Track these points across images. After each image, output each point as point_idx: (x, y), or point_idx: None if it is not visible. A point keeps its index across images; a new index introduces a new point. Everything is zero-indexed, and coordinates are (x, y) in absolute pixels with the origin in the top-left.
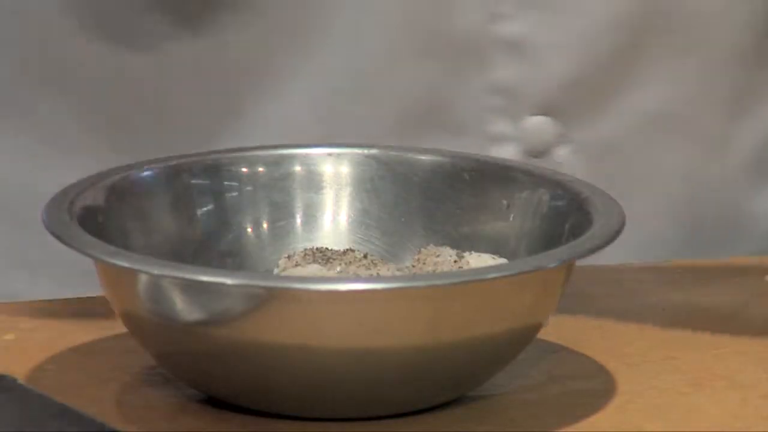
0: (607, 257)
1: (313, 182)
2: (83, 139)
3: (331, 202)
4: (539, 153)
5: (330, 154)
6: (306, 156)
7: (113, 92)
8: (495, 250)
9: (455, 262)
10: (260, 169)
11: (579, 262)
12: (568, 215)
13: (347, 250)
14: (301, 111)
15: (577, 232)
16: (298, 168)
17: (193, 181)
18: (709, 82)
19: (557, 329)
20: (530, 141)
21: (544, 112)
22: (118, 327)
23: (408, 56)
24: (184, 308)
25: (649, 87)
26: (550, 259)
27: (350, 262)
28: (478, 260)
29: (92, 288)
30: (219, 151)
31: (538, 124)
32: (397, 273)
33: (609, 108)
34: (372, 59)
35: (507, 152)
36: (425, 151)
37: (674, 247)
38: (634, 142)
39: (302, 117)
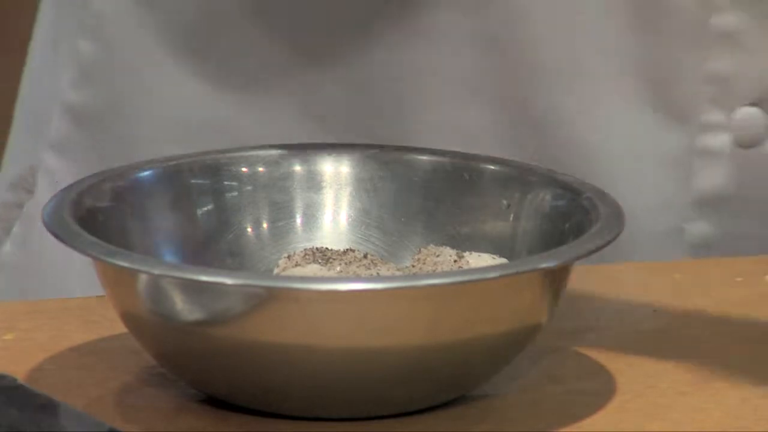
0: (607, 257)
1: (313, 182)
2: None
3: (331, 201)
4: (750, 144)
5: (330, 154)
6: (306, 156)
7: None
8: (495, 250)
9: (455, 262)
10: (260, 169)
11: (579, 262)
12: (568, 215)
13: (347, 250)
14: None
15: (577, 232)
16: (298, 168)
17: (193, 181)
18: None
19: (557, 329)
20: (741, 131)
21: (756, 104)
22: (118, 327)
23: (630, 35)
24: (184, 308)
25: None
26: (550, 259)
27: (350, 262)
28: (478, 260)
29: (92, 288)
30: (219, 151)
31: (749, 114)
32: (397, 273)
33: None
34: (589, 33)
35: (718, 141)
36: (425, 151)
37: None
38: None
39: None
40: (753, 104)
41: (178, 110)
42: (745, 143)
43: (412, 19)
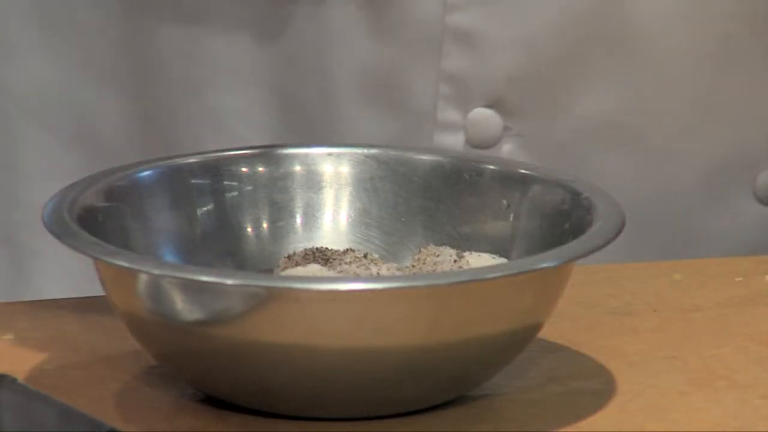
0: (607, 257)
1: (313, 182)
2: None
3: (331, 201)
4: (484, 145)
5: (330, 154)
6: (306, 156)
7: None
8: (495, 250)
9: (455, 261)
10: (260, 169)
11: (579, 262)
12: (568, 215)
13: (347, 250)
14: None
15: (577, 232)
16: (298, 168)
17: (193, 181)
18: (660, 92)
19: (557, 329)
20: (476, 132)
21: (491, 105)
22: (118, 327)
23: (365, 36)
24: (184, 308)
25: (599, 92)
26: (550, 259)
27: (350, 262)
28: (478, 260)
29: (92, 288)
30: (219, 151)
31: (484, 116)
32: (397, 273)
33: (557, 108)
34: (331, 36)
35: (454, 141)
36: (425, 151)
37: (619, 254)
38: (582, 146)
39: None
40: (488, 106)
41: (41, 88)
42: (480, 144)
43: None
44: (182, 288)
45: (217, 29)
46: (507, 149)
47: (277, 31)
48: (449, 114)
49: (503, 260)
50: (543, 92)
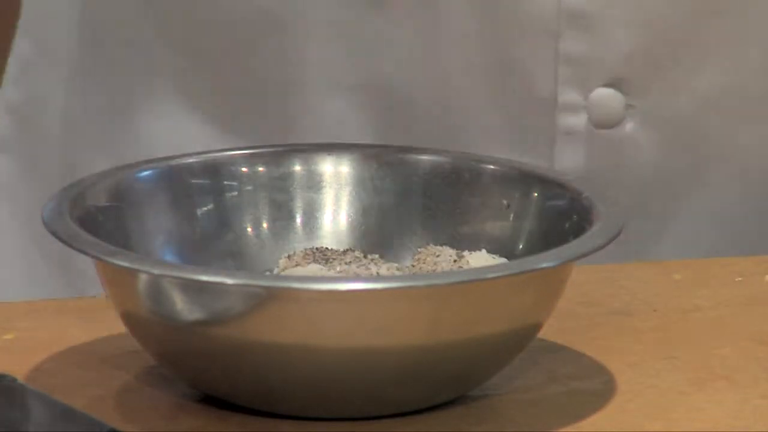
0: (607, 257)
1: (313, 182)
2: None
3: (331, 201)
4: (608, 125)
5: (330, 154)
6: (306, 156)
7: None
8: (495, 250)
9: (455, 261)
10: (260, 168)
11: (579, 262)
12: (568, 215)
13: (347, 250)
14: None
15: (577, 232)
16: (298, 168)
17: (193, 181)
18: None
19: (557, 329)
20: (599, 112)
21: (612, 84)
22: (118, 327)
23: (479, 24)
24: (184, 308)
25: (718, 65)
26: (550, 259)
27: (350, 262)
28: (477, 260)
29: (92, 288)
30: (219, 151)
31: (605, 95)
32: (397, 273)
33: (676, 83)
34: (442, 27)
35: (576, 122)
36: (425, 151)
37: (749, 222)
38: (702, 117)
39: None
40: (609, 85)
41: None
42: (603, 124)
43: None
44: (182, 288)
45: (312, 31)
46: (630, 127)
47: (381, 29)
48: (570, 96)
49: (503, 260)
50: (663, 69)
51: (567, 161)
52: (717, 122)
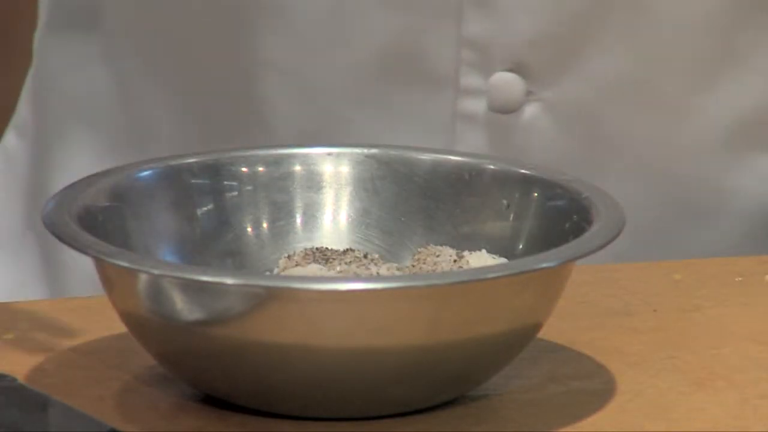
0: (607, 257)
1: (313, 182)
2: None
3: (330, 201)
4: (507, 110)
5: (330, 154)
6: (306, 156)
7: None
8: (495, 250)
9: (455, 261)
10: (260, 168)
11: (579, 262)
12: (568, 215)
13: (347, 249)
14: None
15: (577, 232)
16: (298, 168)
17: (193, 181)
18: (675, 48)
19: (557, 329)
20: (498, 97)
21: (513, 69)
22: (118, 327)
23: (380, 6)
24: (184, 308)
25: (618, 51)
26: (550, 259)
27: (350, 261)
28: (477, 260)
29: (92, 288)
30: (219, 151)
31: (506, 80)
32: (397, 273)
33: (576, 69)
34: (344, 9)
35: (476, 107)
36: (425, 151)
37: (648, 213)
38: (603, 106)
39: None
40: (510, 70)
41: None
42: (503, 108)
43: None
44: (182, 288)
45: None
46: (530, 112)
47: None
48: (471, 79)
49: (503, 260)
50: (564, 55)
51: (468, 146)
52: (615, 111)
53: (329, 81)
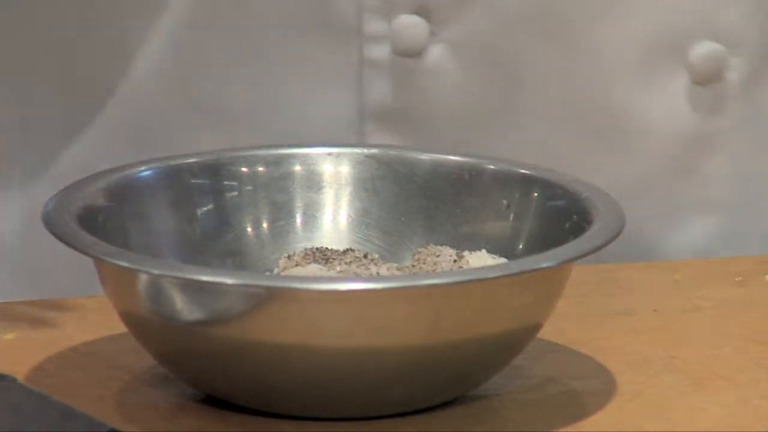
0: (607, 257)
1: (313, 182)
2: None
3: (330, 201)
4: (412, 53)
5: (330, 154)
6: (306, 156)
7: None
8: (495, 250)
9: (455, 261)
10: (260, 168)
11: (579, 262)
12: (568, 215)
13: (347, 249)
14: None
15: (577, 232)
16: (298, 168)
17: (193, 181)
18: None
19: (557, 329)
20: (402, 40)
21: (416, 11)
22: (118, 327)
23: None
24: (184, 308)
25: None
26: (550, 259)
27: (350, 261)
28: (477, 260)
29: (92, 288)
30: (219, 151)
31: (409, 22)
32: (397, 273)
33: (478, 5)
34: None
35: (381, 52)
36: (425, 151)
37: (562, 146)
38: (508, 41)
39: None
40: (413, 12)
41: None
42: (407, 52)
43: None
44: (182, 288)
45: None
46: (435, 54)
47: None
48: (375, 25)
49: (503, 260)
50: None
51: (374, 92)
52: (521, 46)
53: (232, 35)
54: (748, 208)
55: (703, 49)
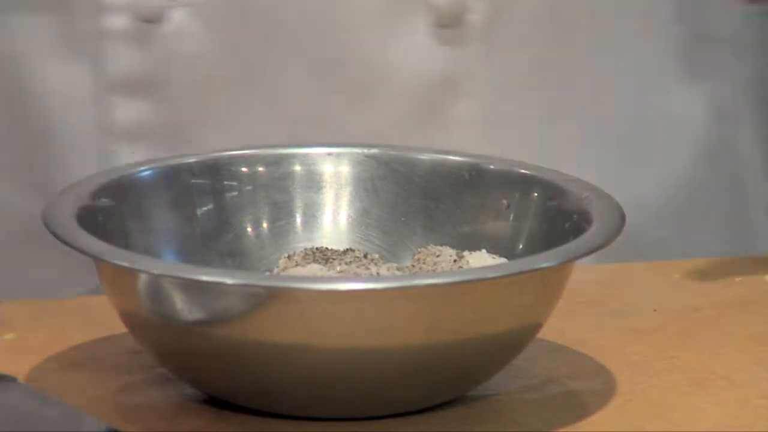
0: (607, 257)
1: (313, 182)
2: None
3: (330, 201)
4: (152, 19)
5: (330, 154)
6: (306, 156)
7: None
8: (495, 250)
9: (455, 261)
10: (260, 168)
11: (579, 262)
12: (568, 215)
13: (347, 249)
14: None
15: (577, 232)
16: (298, 168)
17: (193, 181)
18: None
19: (557, 329)
20: (141, 8)
21: None
22: (118, 327)
23: None
24: (184, 308)
25: None
26: (550, 259)
27: (350, 261)
28: (477, 260)
29: (92, 288)
30: (219, 151)
31: None
32: (397, 273)
33: None
34: None
35: (121, 21)
36: (425, 151)
37: (312, 105)
38: (252, 2)
39: None
40: None
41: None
42: (146, 18)
43: None
44: (182, 288)
45: None
46: (177, 18)
47: None
48: None
49: (503, 260)
50: None
51: (121, 64)
52: (267, 3)
53: None
54: (494, 150)
55: None
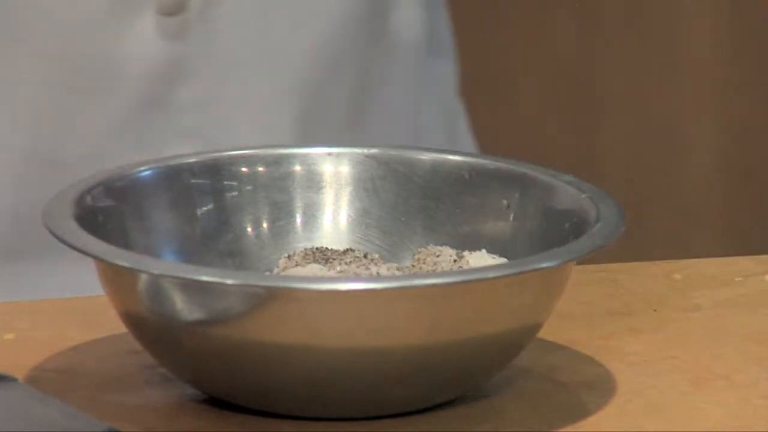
0: (607, 257)
1: (313, 182)
2: None
3: (330, 201)
4: (174, 12)
5: (330, 154)
6: (306, 156)
7: None
8: (495, 250)
9: (455, 261)
10: (260, 168)
11: (579, 262)
12: (568, 215)
13: (347, 249)
14: None
15: (577, 232)
16: (298, 168)
17: (193, 181)
18: None
19: (557, 329)
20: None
21: None
22: (118, 327)
23: None
24: (184, 308)
25: None
26: (550, 259)
27: (350, 261)
28: (477, 260)
29: (92, 288)
30: (219, 151)
31: None
32: (397, 273)
33: None
34: None
35: (144, 17)
36: (425, 151)
37: (48, 97)
38: None
39: None
40: None
41: None
42: (168, 11)
43: None
44: (182, 288)
45: None
46: (196, 10)
47: None
48: None
49: (503, 260)
50: None
51: (136, 57)
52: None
53: None
54: (220, 134)
55: None
